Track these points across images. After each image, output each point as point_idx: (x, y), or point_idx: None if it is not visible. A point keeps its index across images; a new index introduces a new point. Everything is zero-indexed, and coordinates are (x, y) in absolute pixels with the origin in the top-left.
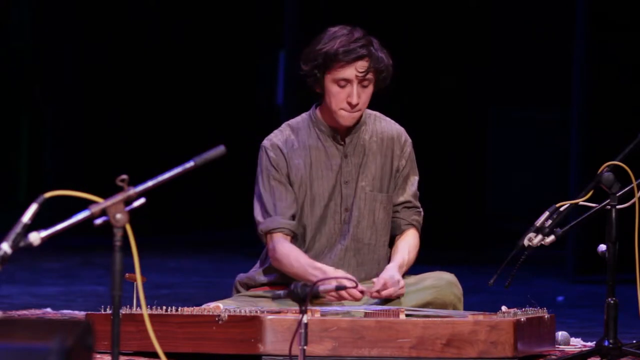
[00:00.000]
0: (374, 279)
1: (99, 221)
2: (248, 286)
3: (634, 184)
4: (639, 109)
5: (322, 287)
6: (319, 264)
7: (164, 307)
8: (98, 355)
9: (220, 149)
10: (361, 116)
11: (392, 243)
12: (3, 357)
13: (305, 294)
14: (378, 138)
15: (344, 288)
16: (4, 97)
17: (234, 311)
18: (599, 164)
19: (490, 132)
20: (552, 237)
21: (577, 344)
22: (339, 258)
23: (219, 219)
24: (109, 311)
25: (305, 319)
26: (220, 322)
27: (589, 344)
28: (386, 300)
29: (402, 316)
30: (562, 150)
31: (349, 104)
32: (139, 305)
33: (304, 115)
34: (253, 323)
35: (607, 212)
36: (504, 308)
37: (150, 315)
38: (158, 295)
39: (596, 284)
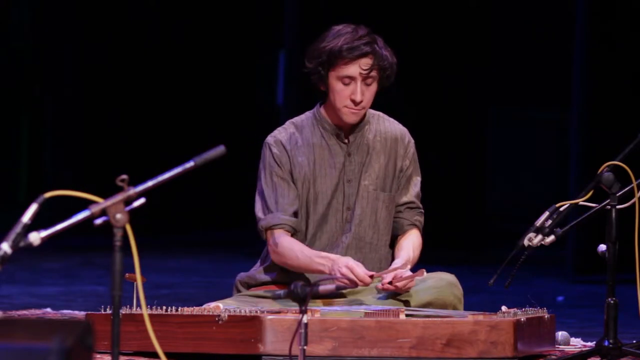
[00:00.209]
0: (384, 274)
1: (99, 221)
2: (249, 285)
3: (634, 184)
4: (639, 109)
5: (322, 287)
6: (324, 253)
7: (164, 307)
8: (98, 355)
9: (220, 149)
10: (365, 115)
11: (393, 243)
12: (3, 357)
13: (305, 294)
14: (382, 138)
15: (344, 288)
16: (4, 97)
17: (234, 311)
18: (599, 164)
19: (490, 132)
20: (552, 237)
21: (577, 344)
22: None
23: (219, 219)
24: (109, 311)
25: (305, 319)
26: (220, 322)
27: (589, 344)
28: (390, 297)
29: (402, 316)
30: (562, 150)
31: (353, 101)
32: (139, 305)
33: (308, 113)
34: (253, 323)
35: (607, 212)
36: (504, 308)
37: (150, 315)
38: (158, 295)
39: (596, 284)
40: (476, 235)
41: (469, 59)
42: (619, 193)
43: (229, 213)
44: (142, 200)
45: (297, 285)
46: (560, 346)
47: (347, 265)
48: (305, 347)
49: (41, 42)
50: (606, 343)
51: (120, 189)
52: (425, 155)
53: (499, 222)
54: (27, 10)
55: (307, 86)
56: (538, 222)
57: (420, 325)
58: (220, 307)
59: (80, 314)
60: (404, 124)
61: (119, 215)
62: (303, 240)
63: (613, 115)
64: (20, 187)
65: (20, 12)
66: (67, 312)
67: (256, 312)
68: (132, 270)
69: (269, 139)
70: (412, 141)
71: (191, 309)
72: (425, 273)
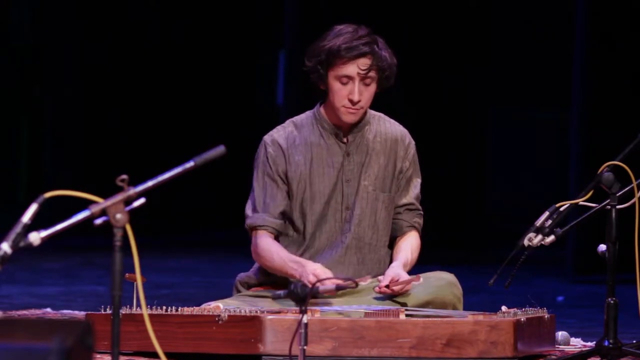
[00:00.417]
0: (380, 277)
1: (99, 221)
2: (249, 285)
3: (634, 184)
4: (639, 109)
5: (322, 287)
6: (297, 258)
7: (164, 307)
8: (98, 355)
9: (220, 149)
10: (365, 115)
11: (392, 244)
12: (3, 357)
13: (305, 294)
14: (382, 138)
15: (344, 288)
16: (4, 97)
17: (234, 311)
18: (599, 164)
19: (490, 132)
20: (552, 237)
21: (577, 344)
22: (340, 256)
23: (219, 219)
24: (109, 311)
25: (305, 319)
26: (220, 322)
27: (589, 344)
28: (388, 298)
29: (402, 316)
30: (562, 150)
31: (351, 101)
32: (139, 305)
33: (309, 112)
34: (253, 323)
35: (607, 212)
36: (504, 308)
37: (150, 315)
38: (158, 295)
39: (596, 284)
40: (476, 235)
41: (469, 59)
42: (619, 193)
43: (229, 213)
44: (142, 200)
45: (297, 285)
46: (560, 346)
47: (314, 273)
48: (305, 347)
49: (41, 42)
50: (606, 343)
51: (120, 189)
52: (425, 155)
53: (499, 222)
54: (27, 10)
55: (307, 86)
56: (538, 222)
57: (420, 325)
58: (220, 307)
59: (80, 314)
60: (404, 124)
61: (119, 215)
62: (302, 240)
63: (613, 115)
64: (20, 187)
65: (20, 12)
66: (67, 312)
67: (256, 312)
68: (132, 270)
69: (267, 137)
70: (413, 143)
71: (191, 309)
72: (421, 279)
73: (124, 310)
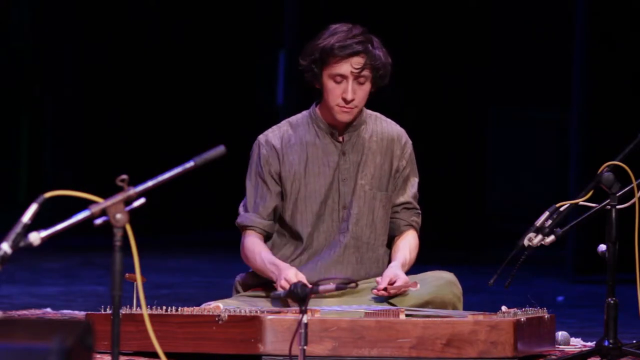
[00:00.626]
0: (377, 278)
1: (99, 221)
2: (248, 286)
3: (634, 184)
4: (639, 109)
5: (322, 287)
6: (277, 261)
7: (164, 307)
8: (98, 355)
9: (220, 149)
10: (361, 114)
11: (390, 244)
12: (3, 357)
13: (305, 294)
14: (378, 138)
15: (344, 288)
16: (4, 97)
17: (234, 311)
18: (599, 164)
19: (490, 132)
20: (552, 237)
21: (577, 344)
22: (338, 256)
23: (219, 219)
24: (109, 311)
25: (305, 319)
26: (220, 322)
27: (589, 344)
28: (387, 298)
29: (402, 316)
30: (562, 150)
31: (344, 99)
32: (139, 305)
33: (305, 112)
34: (253, 323)
35: (607, 212)
36: (504, 308)
37: (150, 315)
38: (158, 295)
39: (596, 284)
40: (476, 235)
41: (469, 59)
42: (619, 193)
43: (229, 213)
44: (142, 200)
45: (297, 285)
46: (560, 346)
47: (286, 278)
48: (305, 347)
49: (41, 42)
50: (606, 343)
51: (120, 189)
52: (425, 155)
53: (499, 222)
54: (27, 10)
55: (307, 86)
56: (538, 222)
57: (420, 325)
58: (220, 307)
59: (80, 314)
60: (404, 124)
61: (119, 215)
62: (299, 240)
63: (613, 115)
64: (20, 187)
65: (20, 12)
66: (67, 312)
67: (256, 312)
68: (132, 270)
69: (261, 137)
70: (410, 142)
71: (191, 309)
72: (418, 285)
73: (124, 310)
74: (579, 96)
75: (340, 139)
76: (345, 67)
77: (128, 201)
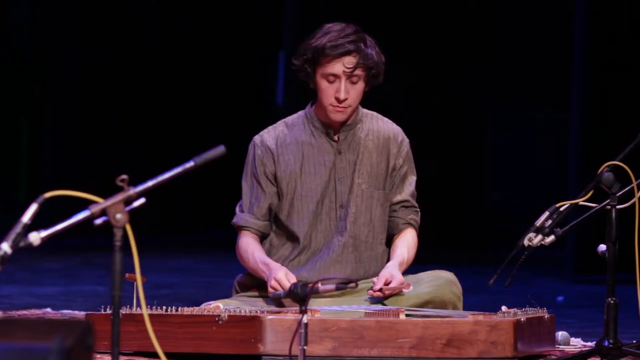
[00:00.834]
0: (374, 279)
1: (99, 221)
2: (246, 286)
3: (634, 184)
4: (639, 109)
5: (322, 287)
6: (268, 260)
7: (164, 307)
8: (98, 355)
9: (220, 149)
10: (357, 113)
11: (389, 242)
12: (3, 357)
13: (305, 294)
14: (374, 136)
15: (344, 288)
16: (4, 97)
17: (234, 311)
18: (599, 164)
19: (490, 132)
20: (552, 237)
21: (577, 344)
22: (337, 255)
23: (219, 219)
24: (109, 311)
25: (305, 319)
26: (220, 322)
27: (589, 344)
28: (386, 298)
29: (402, 316)
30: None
31: (337, 99)
32: (139, 305)
33: (300, 112)
34: (253, 323)
35: (607, 212)
36: (504, 308)
37: (150, 315)
38: (158, 295)
39: (596, 284)
40: (476, 235)
41: (469, 59)
42: (619, 193)
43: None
44: (142, 200)
45: (297, 285)
46: (560, 346)
47: (276, 278)
48: (305, 347)
49: (41, 42)
50: (606, 343)
51: (120, 189)
52: (425, 155)
53: (499, 222)
54: (27, 10)
55: (307, 86)
56: (538, 222)
57: (420, 325)
58: (220, 307)
59: (80, 314)
60: (404, 124)
61: (119, 215)
62: (297, 240)
63: (613, 115)
64: (20, 187)
65: (20, 12)
66: (67, 312)
67: (256, 312)
68: (132, 270)
69: (256, 138)
70: (407, 140)
71: (191, 309)
72: (411, 287)
73: (124, 310)
74: (579, 96)
75: (336, 138)
76: (338, 67)
77: (128, 201)
